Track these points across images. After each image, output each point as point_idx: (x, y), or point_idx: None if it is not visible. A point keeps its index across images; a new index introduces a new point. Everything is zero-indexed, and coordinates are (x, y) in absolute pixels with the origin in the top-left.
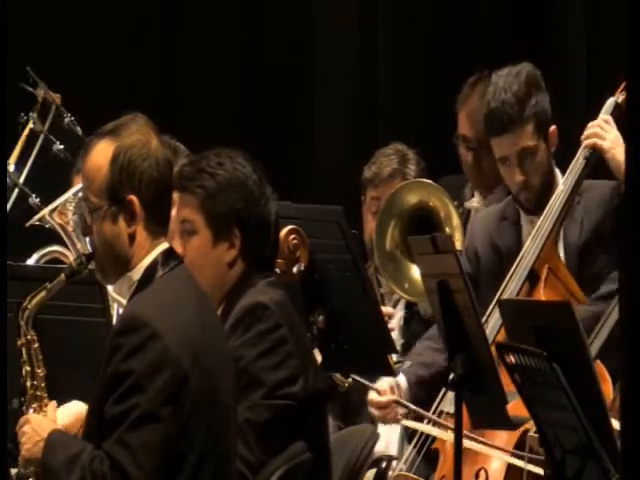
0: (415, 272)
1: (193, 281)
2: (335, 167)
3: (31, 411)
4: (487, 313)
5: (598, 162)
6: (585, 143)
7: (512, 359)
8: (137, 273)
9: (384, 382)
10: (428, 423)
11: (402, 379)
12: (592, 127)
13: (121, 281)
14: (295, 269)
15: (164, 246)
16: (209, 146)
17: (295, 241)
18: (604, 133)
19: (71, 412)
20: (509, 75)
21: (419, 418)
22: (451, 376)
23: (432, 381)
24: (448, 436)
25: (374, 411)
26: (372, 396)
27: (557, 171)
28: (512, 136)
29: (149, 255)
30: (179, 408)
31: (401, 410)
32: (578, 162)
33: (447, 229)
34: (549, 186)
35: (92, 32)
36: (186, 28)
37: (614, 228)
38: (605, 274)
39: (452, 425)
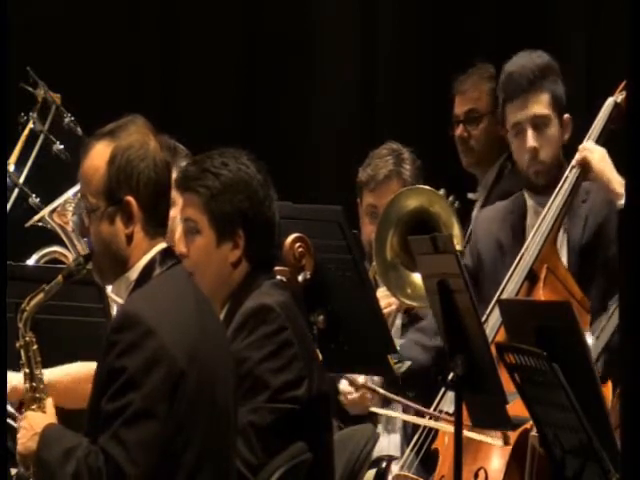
0: (416, 278)
1: (192, 282)
2: (335, 167)
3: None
4: (487, 312)
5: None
6: (576, 158)
7: (512, 359)
8: (134, 273)
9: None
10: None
11: (370, 379)
12: (581, 147)
13: (119, 282)
14: (300, 277)
15: (162, 246)
16: (209, 146)
17: (301, 249)
18: (593, 147)
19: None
20: (531, 53)
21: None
22: (451, 376)
23: (411, 379)
24: (414, 420)
25: (343, 399)
26: (342, 386)
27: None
28: (528, 99)
29: (146, 255)
30: (175, 405)
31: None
32: (571, 172)
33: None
34: (558, 171)
35: (92, 32)
36: (186, 28)
37: (613, 234)
38: (605, 274)
39: (419, 406)
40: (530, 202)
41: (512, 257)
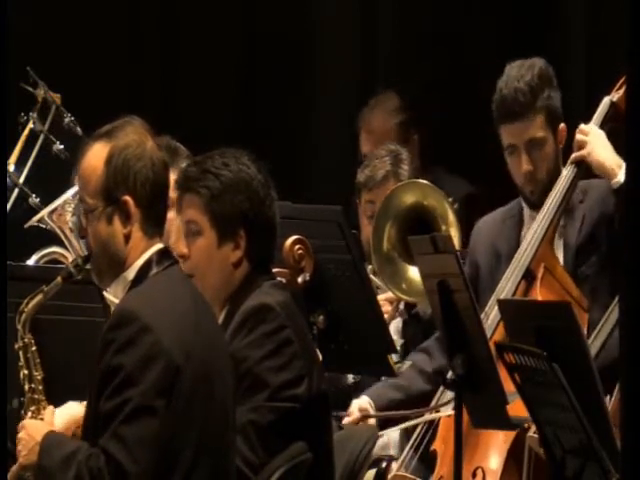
0: (412, 272)
1: (189, 282)
2: (335, 167)
3: (29, 414)
4: (484, 312)
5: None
6: (572, 157)
7: (512, 359)
8: (131, 273)
9: (353, 405)
10: (404, 421)
11: (370, 403)
12: (579, 130)
13: (116, 282)
14: (300, 279)
15: (159, 246)
16: (209, 146)
17: (300, 251)
18: (583, 138)
19: (64, 413)
20: (522, 66)
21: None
22: (450, 376)
23: (405, 404)
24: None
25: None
26: (345, 421)
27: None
28: (523, 125)
29: (143, 255)
30: (173, 400)
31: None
32: (568, 169)
33: (443, 227)
34: (554, 183)
35: (92, 32)
36: (186, 28)
37: (610, 230)
38: (600, 274)
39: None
40: (527, 212)
41: (508, 265)
